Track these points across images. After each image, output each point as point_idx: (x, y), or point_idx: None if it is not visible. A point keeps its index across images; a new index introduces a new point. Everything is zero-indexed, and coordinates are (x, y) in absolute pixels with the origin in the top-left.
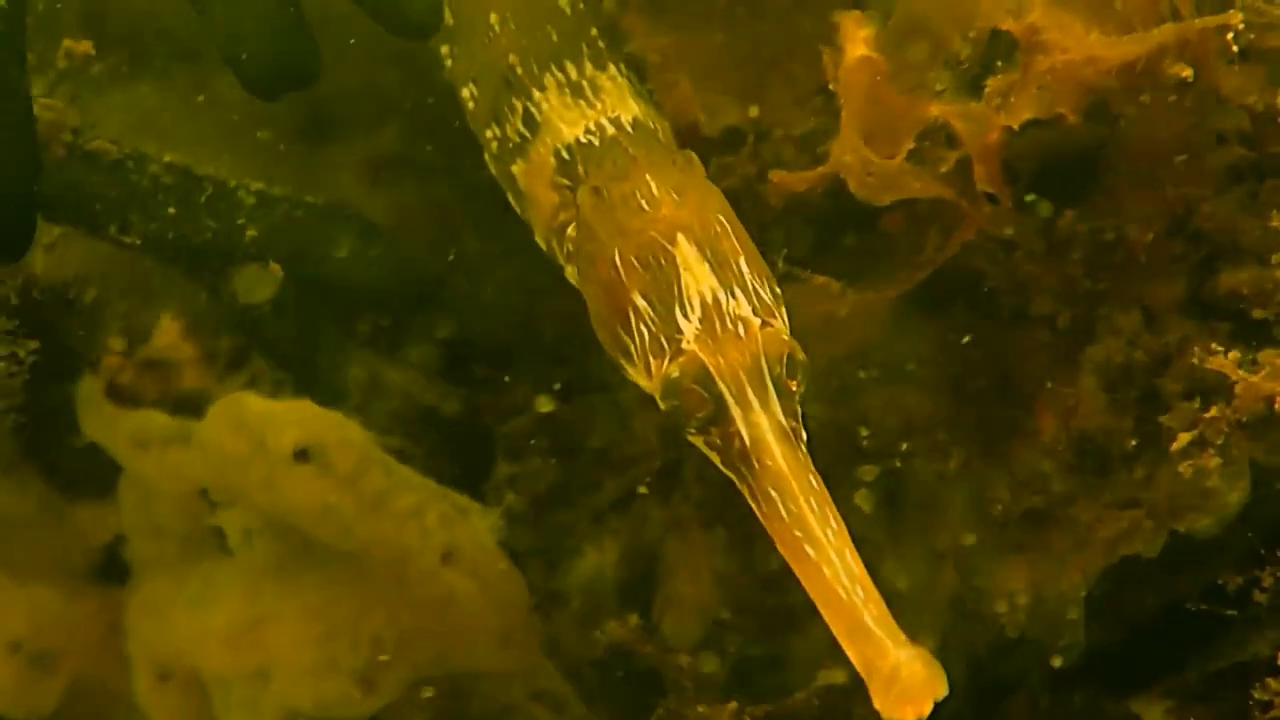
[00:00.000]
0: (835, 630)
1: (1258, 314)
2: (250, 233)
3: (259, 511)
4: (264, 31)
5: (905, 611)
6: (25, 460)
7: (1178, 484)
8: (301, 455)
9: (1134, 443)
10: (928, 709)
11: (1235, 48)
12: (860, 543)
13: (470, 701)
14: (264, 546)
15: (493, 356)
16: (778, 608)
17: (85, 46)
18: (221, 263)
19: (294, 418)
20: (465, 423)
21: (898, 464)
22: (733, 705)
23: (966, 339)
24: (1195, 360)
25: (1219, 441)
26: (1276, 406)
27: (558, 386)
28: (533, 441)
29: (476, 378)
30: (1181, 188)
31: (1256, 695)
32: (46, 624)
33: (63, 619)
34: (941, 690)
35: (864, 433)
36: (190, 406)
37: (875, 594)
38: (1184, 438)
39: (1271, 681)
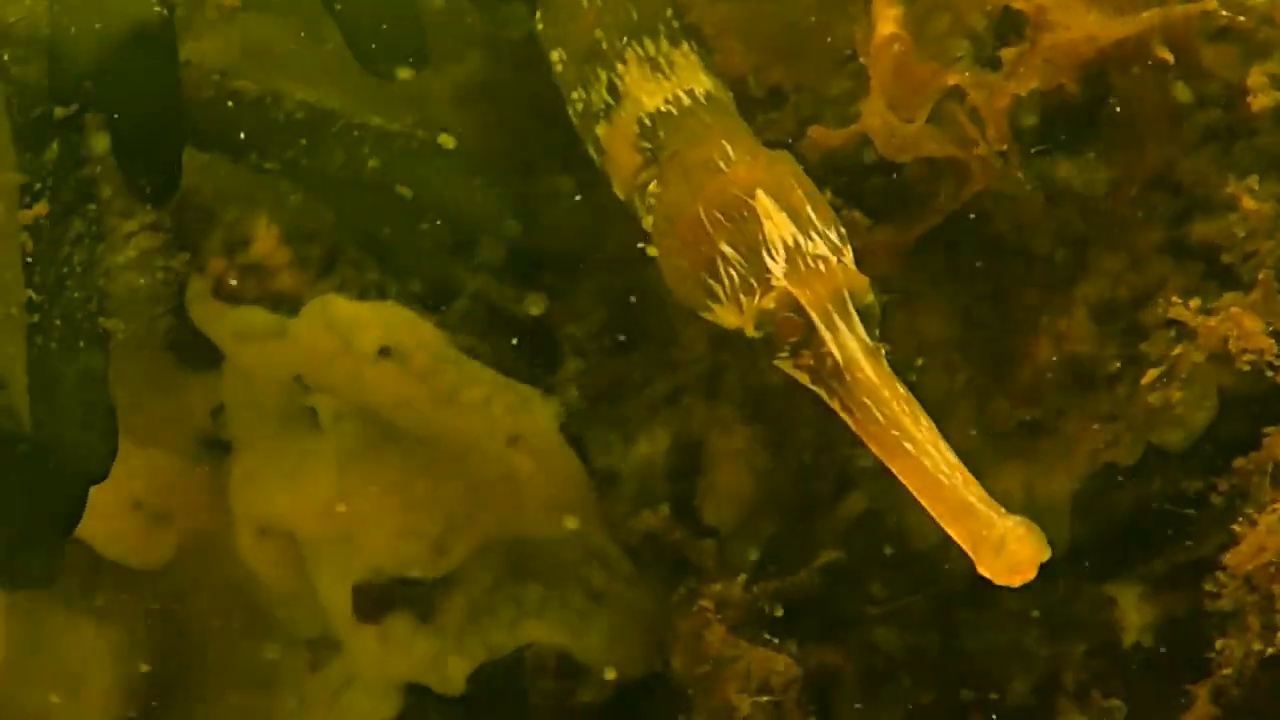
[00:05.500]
0: (940, 514)
1: (1225, 258)
2: (372, 163)
3: (346, 400)
4: (379, 15)
5: None
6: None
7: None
8: (383, 353)
9: (1117, 366)
10: (1034, 571)
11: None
12: None
13: (530, 561)
14: (351, 428)
15: (561, 265)
16: (803, 499)
17: (233, 1)
18: (347, 188)
19: (377, 319)
20: (534, 323)
21: (913, 378)
22: (742, 578)
23: (974, 273)
24: (1161, 310)
25: (1186, 371)
26: (1230, 346)
27: (618, 295)
28: (594, 342)
29: (546, 284)
30: (1164, 147)
31: (1208, 587)
32: (162, 485)
33: (176, 481)
34: (1045, 553)
35: (885, 349)
36: (286, 305)
37: (972, 477)
38: (1153, 372)
39: (1220, 575)
